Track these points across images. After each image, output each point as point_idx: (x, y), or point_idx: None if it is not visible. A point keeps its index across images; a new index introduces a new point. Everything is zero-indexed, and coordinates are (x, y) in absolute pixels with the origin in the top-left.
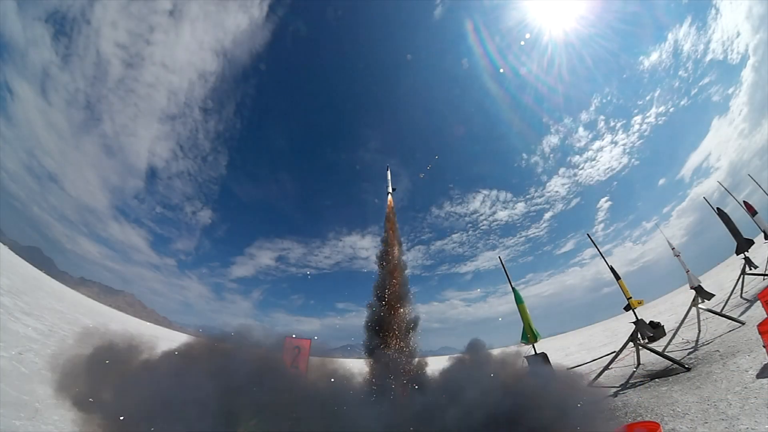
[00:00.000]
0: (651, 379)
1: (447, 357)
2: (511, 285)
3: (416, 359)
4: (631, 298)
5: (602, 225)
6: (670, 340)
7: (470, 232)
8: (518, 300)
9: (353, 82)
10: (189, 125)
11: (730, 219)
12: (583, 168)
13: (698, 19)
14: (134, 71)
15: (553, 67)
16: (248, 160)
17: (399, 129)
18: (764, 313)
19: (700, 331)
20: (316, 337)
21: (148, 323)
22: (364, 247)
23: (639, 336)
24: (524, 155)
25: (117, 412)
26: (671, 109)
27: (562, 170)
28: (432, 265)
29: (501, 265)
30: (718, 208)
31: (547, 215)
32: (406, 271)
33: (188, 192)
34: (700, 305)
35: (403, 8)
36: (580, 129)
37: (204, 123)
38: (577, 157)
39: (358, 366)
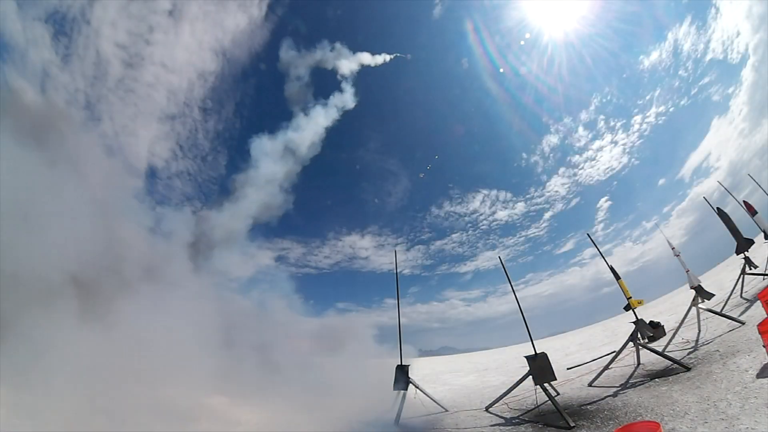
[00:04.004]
0: (651, 379)
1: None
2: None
3: None
4: (631, 297)
5: (602, 225)
6: (670, 340)
7: (470, 232)
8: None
9: (352, 81)
10: (188, 125)
11: (730, 219)
12: (583, 168)
13: (698, 18)
14: (134, 71)
15: (553, 66)
16: None
17: (399, 129)
18: (764, 312)
19: (700, 330)
20: None
21: None
22: (364, 247)
23: (639, 336)
24: (524, 155)
25: None
26: (671, 109)
27: (561, 170)
28: (432, 264)
29: (501, 265)
30: (718, 208)
31: (547, 215)
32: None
33: (188, 192)
34: (700, 305)
35: (401, 7)
36: (580, 128)
37: (203, 123)
38: (577, 156)
39: None
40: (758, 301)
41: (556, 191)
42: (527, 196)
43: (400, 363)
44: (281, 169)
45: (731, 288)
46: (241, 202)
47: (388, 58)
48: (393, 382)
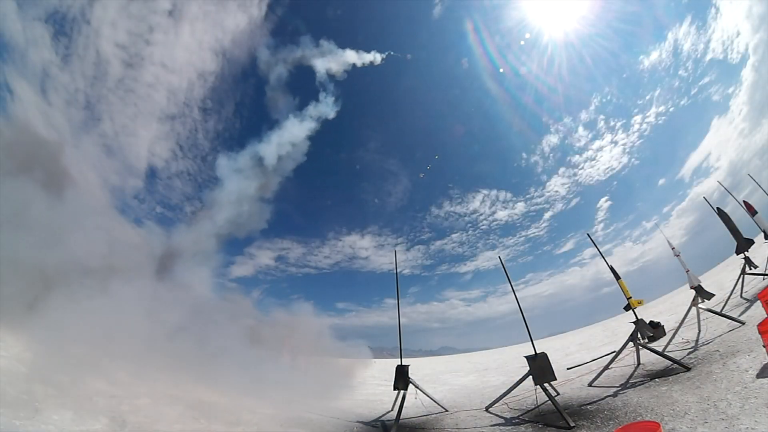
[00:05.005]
0: (651, 379)
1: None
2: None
3: None
4: (631, 297)
5: (602, 225)
6: (670, 340)
7: (470, 232)
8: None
9: (352, 80)
10: (188, 125)
11: (730, 219)
12: (582, 168)
13: (698, 18)
14: (134, 71)
15: (553, 66)
16: None
17: (399, 129)
18: (764, 312)
19: (700, 330)
20: None
21: None
22: (364, 246)
23: (639, 336)
24: (524, 155)
25: None
26: (671, 109)
27: (561, 170)
28: (432, 264)
29: (501, 265)
30: (718, 208)
31: (547, 215)
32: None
33: (188, 192)
34: (700, 305)
35: (401, 7)
36: (580, 128)
37: (203, 123)
38: (577, 156)
39: None
40: (758, 301)
41: (556, 191)
42: (527, 196)
43: (400, 363)
44: (279, 170)
45: (731, 288)
46: (234, 204)
47: (379, 57)
48: (393, 382)
